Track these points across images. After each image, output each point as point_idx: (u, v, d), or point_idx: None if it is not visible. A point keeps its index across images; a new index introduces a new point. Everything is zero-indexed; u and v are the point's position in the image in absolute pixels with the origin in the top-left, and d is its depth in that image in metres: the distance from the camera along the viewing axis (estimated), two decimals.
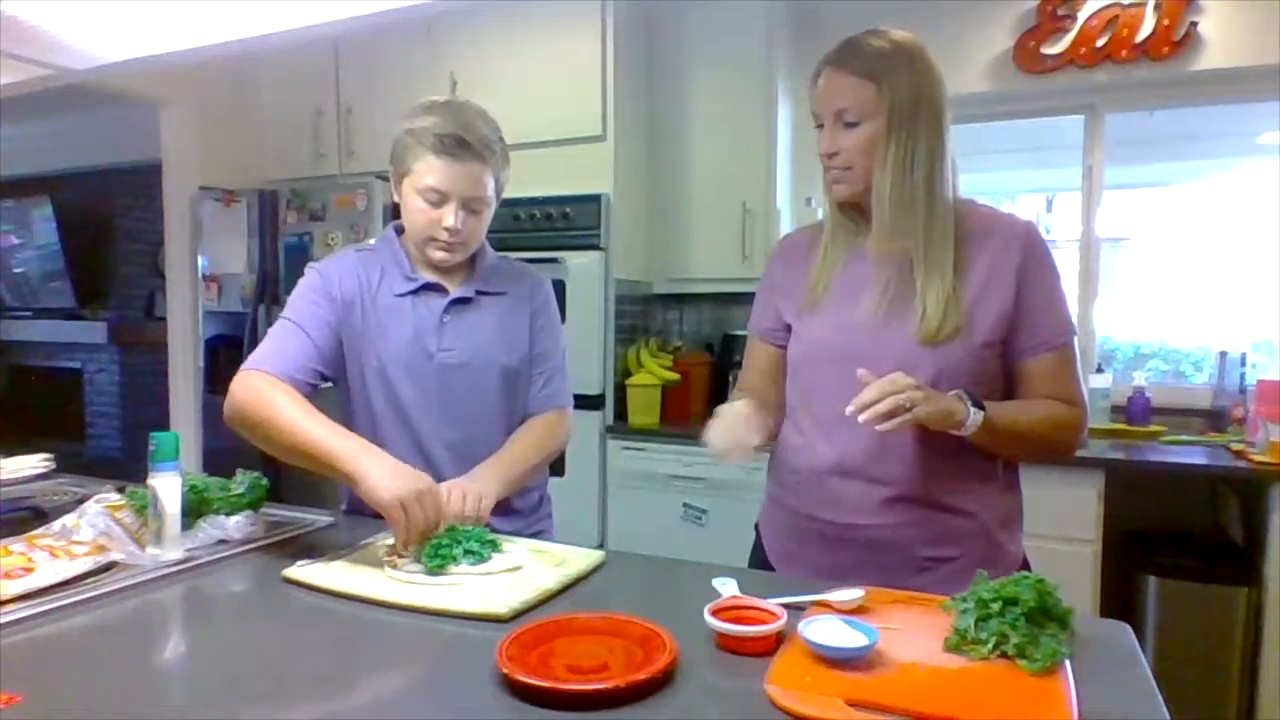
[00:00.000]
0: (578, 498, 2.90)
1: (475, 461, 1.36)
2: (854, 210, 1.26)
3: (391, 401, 1.40)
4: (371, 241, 1.51)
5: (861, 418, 1.05)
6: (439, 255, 1.39)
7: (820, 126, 1.24)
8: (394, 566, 1.12)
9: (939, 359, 1.16)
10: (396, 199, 1.41)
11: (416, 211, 1.36)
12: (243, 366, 1.33)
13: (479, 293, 1.45)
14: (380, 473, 1.16)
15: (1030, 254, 1.18)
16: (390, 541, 1.18)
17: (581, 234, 2.97)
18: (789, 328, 1.33)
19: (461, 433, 1.42)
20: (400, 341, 1.39)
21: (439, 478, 1.38)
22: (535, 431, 1.47)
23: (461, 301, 1.43)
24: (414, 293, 1.42)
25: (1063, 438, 1.21)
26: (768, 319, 1.37)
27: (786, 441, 1.32)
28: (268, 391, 1.27)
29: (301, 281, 1.42)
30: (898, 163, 1.17)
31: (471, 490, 1.26)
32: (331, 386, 1.45)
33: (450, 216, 1.34)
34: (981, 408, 1.11)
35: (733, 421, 1.17)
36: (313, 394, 1.35)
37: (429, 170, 1.33)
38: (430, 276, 1.43)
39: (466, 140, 1.32)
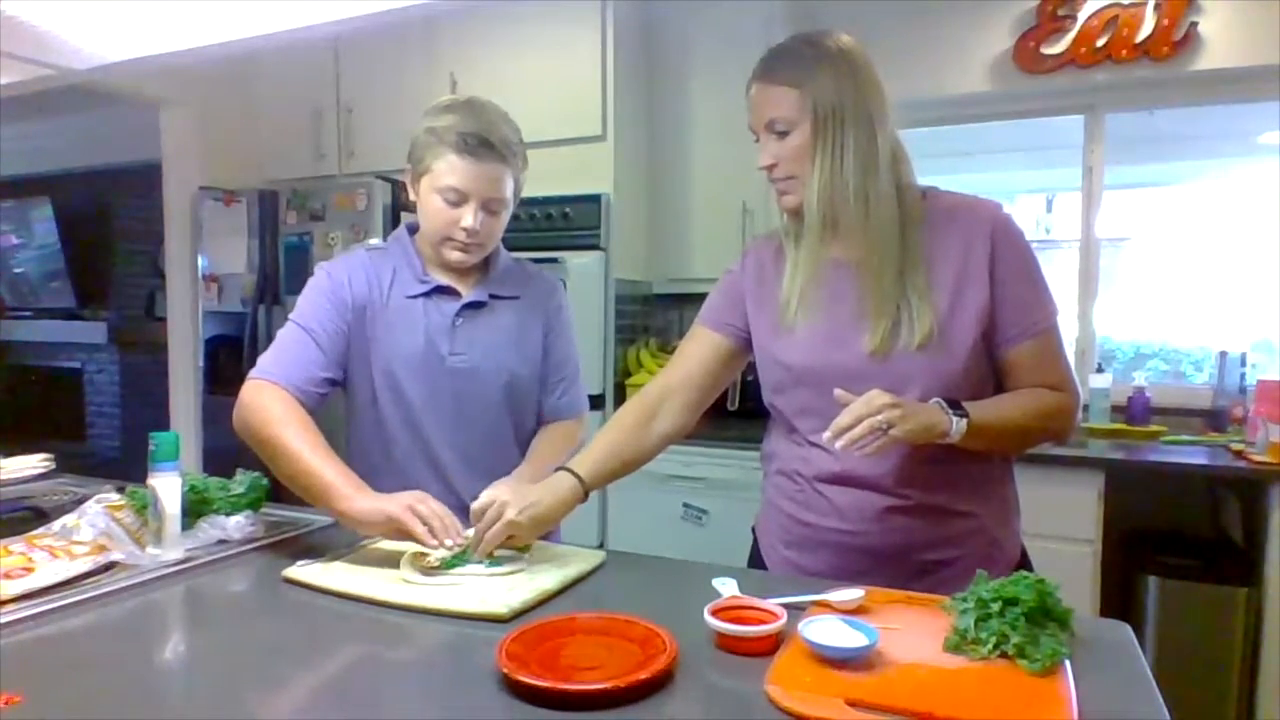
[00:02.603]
0: None
1: (484, 467, 1.34)
2: (819, 218, 1.22)
3: (400, 405, 1.38)
4: (373, 241, 1.50)
5: (839, 444, 1.03)
6: (455, 256, 1.37)
7: (756, 140, 1.23)
8: (424, 570, 1.11)
9: (916, 365, 1.14)
10: (413, 197, 1.39)
11: (434, 211, 1.34)
12: (251, 374, 1.31)
13: (492, 296, 1.43)
14: (374, 501, 1.17)
15: (1000, 242, 1.16)
16: (413, 551, 1.16)
17: (581, 234, 2.97)
18: (749, 334, 1.31)
19: (470, 438, 1.40)
20: (411, 345, 1.38)
21: (448, 483, 1.37)
22: (557, 441, 1.45)
23: (474, 305, 1.41)
24: (426, 295, 1.40)
25: (1054, 425, 1.19)
26: (733, 315, 1.32)
27: (782, 450, 1.29)
28: (275, 409, 1.26)
29: (311, 282, 1.40)
30: (825, 167, 1.15)
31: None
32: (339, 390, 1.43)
33: (469, 217, 1.33)
34: (964, 413, 1.08)
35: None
36: (323, 402, 1.34)
37: (450, 170, 1.31)
38: (443, 279, 1.41)
39: (490, 141, 1.31)
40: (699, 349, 1.34)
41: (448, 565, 1.12)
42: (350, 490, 1.19)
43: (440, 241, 1.37)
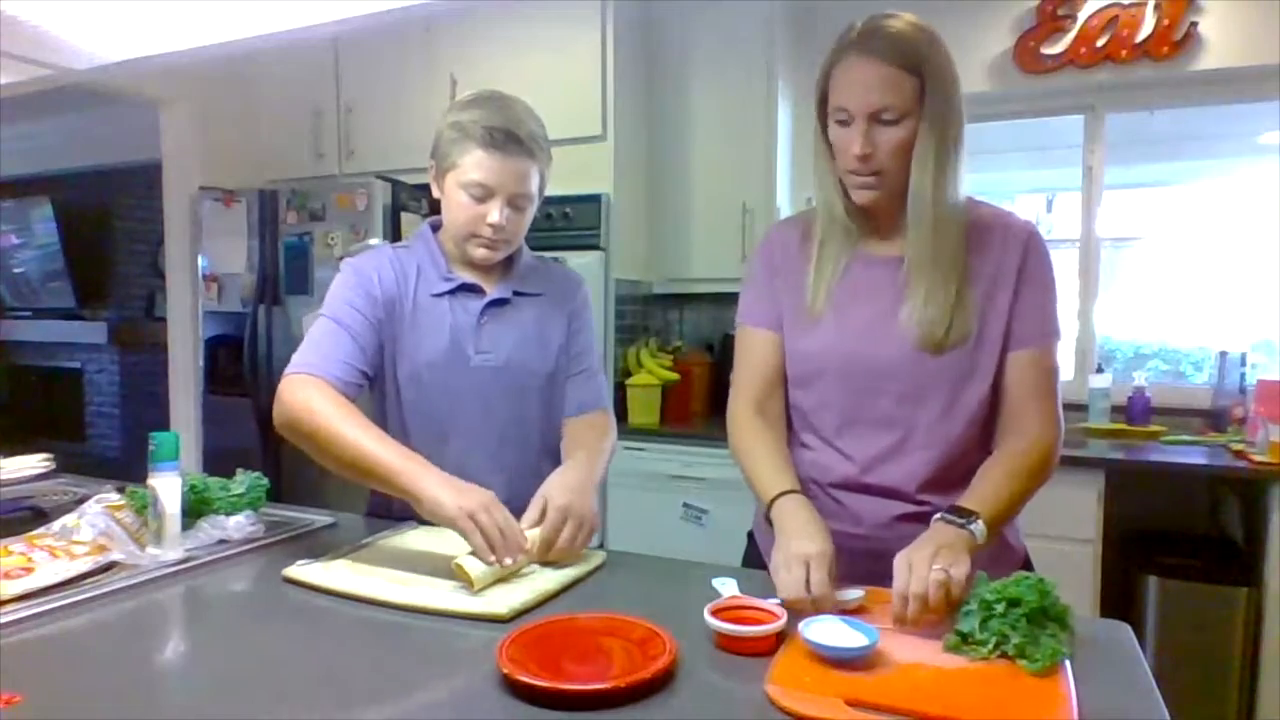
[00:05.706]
0: None
1: (509, 468, 1.30)
2: (862, 213, 1.19)
3: (425, 405, 1.36)
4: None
5: (910, 624, 0.92)
6: (480, 253, 1.35)
7: (843, 123, 1.12)
8: (471, 587, 1.06)
9: (948, 367, 1.14)
10: (437, 194, 1.37)
11: (459, 207, 1.32)
12: (287, 370, 1.28)
13: (516, 293, 1.41)
14: (441, 489, 1.12)
15: (1030, 255, 1.17)
16: (461, 561, 1.09)
17: (581, 234, 2.97)
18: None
19: (496, 438, 1.38)
20: (437, 344, 1.36)
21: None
22: (590, 433, 1.42)
23: (499, 303, 1.40)
24: (451, 293, 1.38)
25: (1040, 479, 1.16)
26: (770, 304, 1.28)
27: (794, 458, 1.26)
28: (319, 401, 1.22)
29: (339, 278, 1.37)
30: (930, 168, 1.10)
31: (585, 522, 1.18)
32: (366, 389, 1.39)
33: (495, 213, 1.30)
34: (975, 514, 1.03)
35: (808, 568, 0.98)
36: (359, 396, 1.31)
37: (476, 165, 1.29)
38: (467, 276, 1.39)
39: (517, 135, 1.29)
40: (760, 353, 1.28)
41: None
42: (419, 469, 1.15)
43: (465, 238, 1.34)
